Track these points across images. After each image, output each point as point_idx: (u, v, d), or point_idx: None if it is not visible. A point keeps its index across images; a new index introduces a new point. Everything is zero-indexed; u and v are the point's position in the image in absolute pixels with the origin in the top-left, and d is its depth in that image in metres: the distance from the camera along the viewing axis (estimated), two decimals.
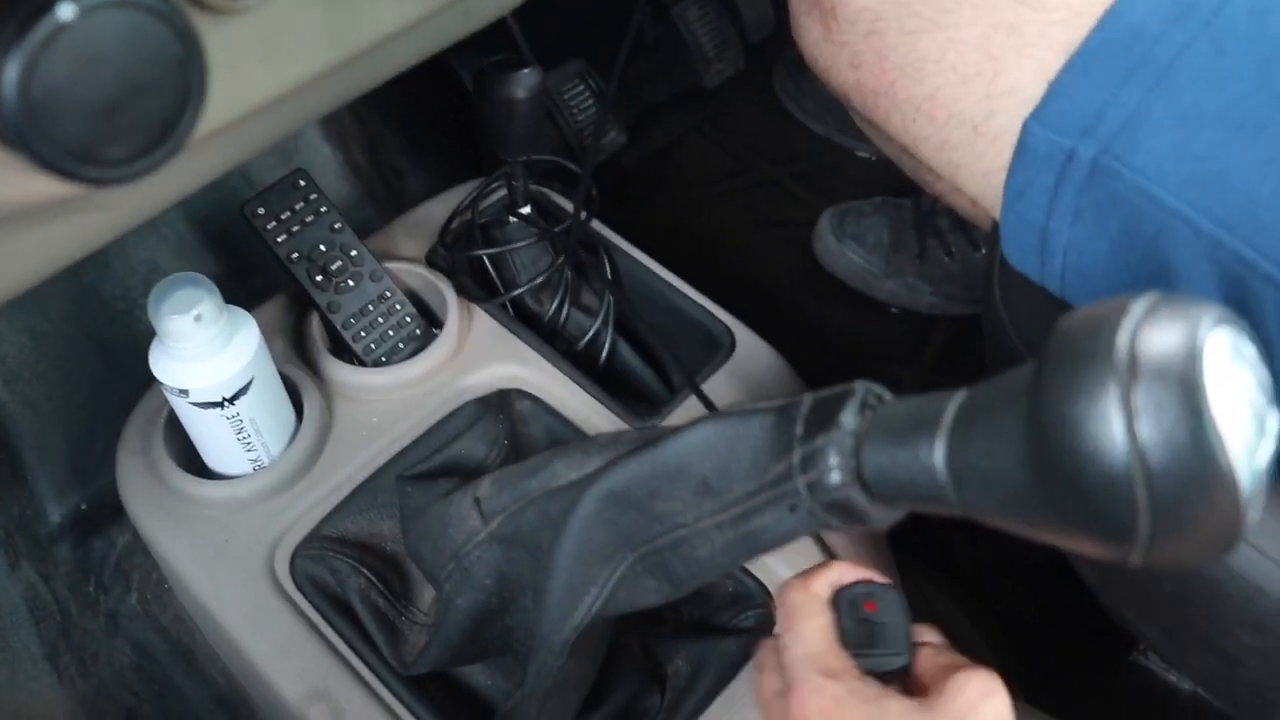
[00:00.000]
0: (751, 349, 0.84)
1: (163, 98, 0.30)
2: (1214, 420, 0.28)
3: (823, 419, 0.40)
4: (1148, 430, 0.28)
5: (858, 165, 1.36)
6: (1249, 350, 0.30)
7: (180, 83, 0.30)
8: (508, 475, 0.57)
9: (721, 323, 0.86)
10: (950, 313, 1.19)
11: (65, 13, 0.27)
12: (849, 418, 0.39)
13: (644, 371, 0.89)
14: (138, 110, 0.30)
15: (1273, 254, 0.48)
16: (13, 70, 0.27)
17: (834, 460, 0.39)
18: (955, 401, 0.35)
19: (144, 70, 0.29)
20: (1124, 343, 0.28)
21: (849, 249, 1.21)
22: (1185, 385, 0.28)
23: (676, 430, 0.46)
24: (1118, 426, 0.28)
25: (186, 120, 0.31)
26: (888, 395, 0.40)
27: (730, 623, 0.71)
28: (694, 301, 0.86)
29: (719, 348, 0.84)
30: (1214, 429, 0.28)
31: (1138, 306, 0.29)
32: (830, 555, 0.67)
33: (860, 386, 0.40)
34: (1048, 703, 0.66)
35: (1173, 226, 0.51)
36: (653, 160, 1.38)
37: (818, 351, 1.10)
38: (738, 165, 1.40)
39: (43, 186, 0.33)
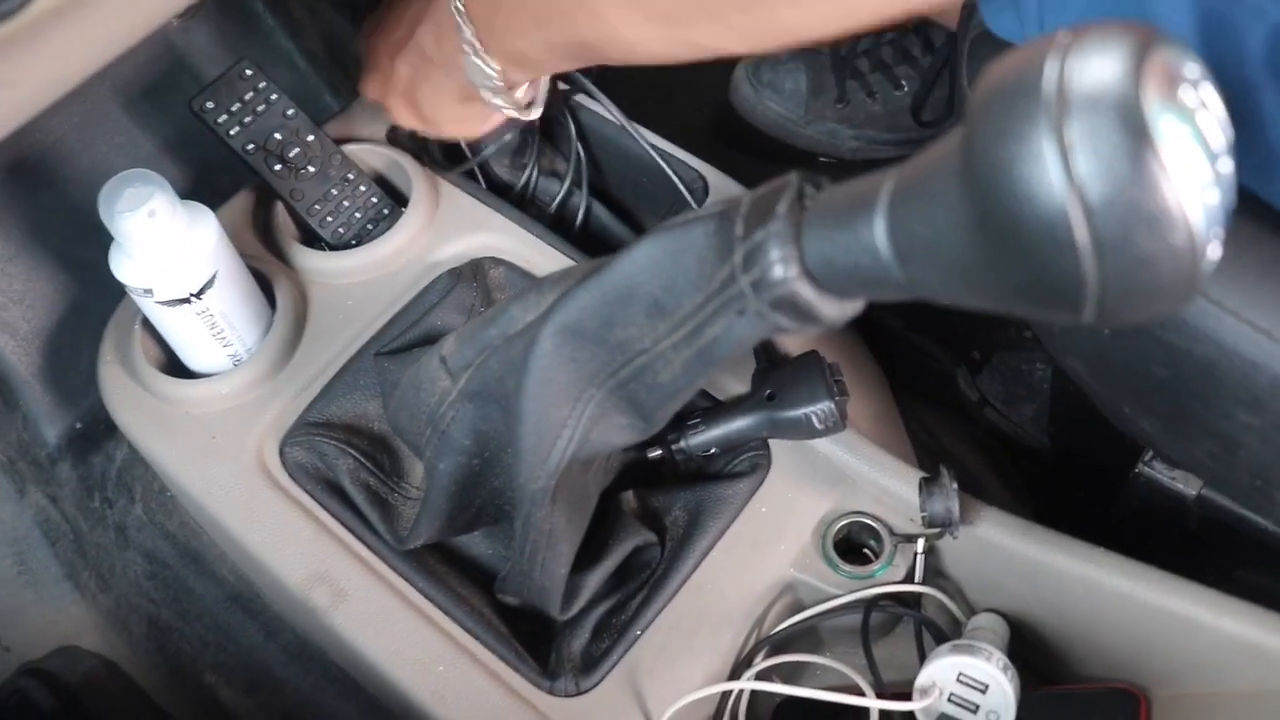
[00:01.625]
0: (727, 194, 0.82)
1: None
2: (1157, 145, 0.26)
3: (761, 213, 0.38)
4: (1084, 163, 0.26)
5: None
6: (1194, 69, 0.27)
7: None
8: (469, 329, 0.56)
9: (693, 169, 0.83)
10: (875, 157, 1.16)
11: None
12: (786, 209, 0.37)
13: (619, 229, 0.87)
14: None
15: None
16: None
17: (775, 253, 0.37)
18: (892, 175, 0.33)
19: None
20: (1052, 73, 0.26)
21: (767, 98, 1.17)
22: (1122, 110, 0.26)
23: (621, 253, 0.44)
24: (1051, 163, 0.26)
25: None
26: (827, 183, 0.38)
27: (725, 468, 0.70)
28: (664, 151, 0.84)
29: (692, 194, 0.82)
30: (1157, 155, 0.26)
31: (1065, 36, 0.27)
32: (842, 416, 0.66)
33: (796, 177, 0.38)
34: (1058, 523, 0.66)
35: None
36: None
37: None
38: None
39: None
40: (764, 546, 0.67)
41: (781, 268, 0.37)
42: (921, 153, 0.32)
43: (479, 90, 0.69)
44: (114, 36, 0.45)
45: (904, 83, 1.13)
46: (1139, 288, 0.27)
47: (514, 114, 0.71)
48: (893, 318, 1.04)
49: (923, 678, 0.60)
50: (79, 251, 0.91)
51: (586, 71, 0.86)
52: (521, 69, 0.67)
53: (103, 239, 0.91)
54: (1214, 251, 0.28)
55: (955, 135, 0.30)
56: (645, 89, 1.17)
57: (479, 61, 0.65)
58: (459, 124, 0.77)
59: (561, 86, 0.87)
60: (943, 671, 0.59)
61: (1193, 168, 0.26)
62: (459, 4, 0.63)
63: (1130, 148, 0.26)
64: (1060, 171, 0.26)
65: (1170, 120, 0.26)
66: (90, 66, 0.45)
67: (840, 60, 1.16)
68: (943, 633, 0.65)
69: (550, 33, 0.62)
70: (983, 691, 0.59)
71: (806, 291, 0.37)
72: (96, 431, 0.90)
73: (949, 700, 0.59)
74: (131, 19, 0.45)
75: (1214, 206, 0.27)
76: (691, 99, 1.24)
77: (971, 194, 0.28)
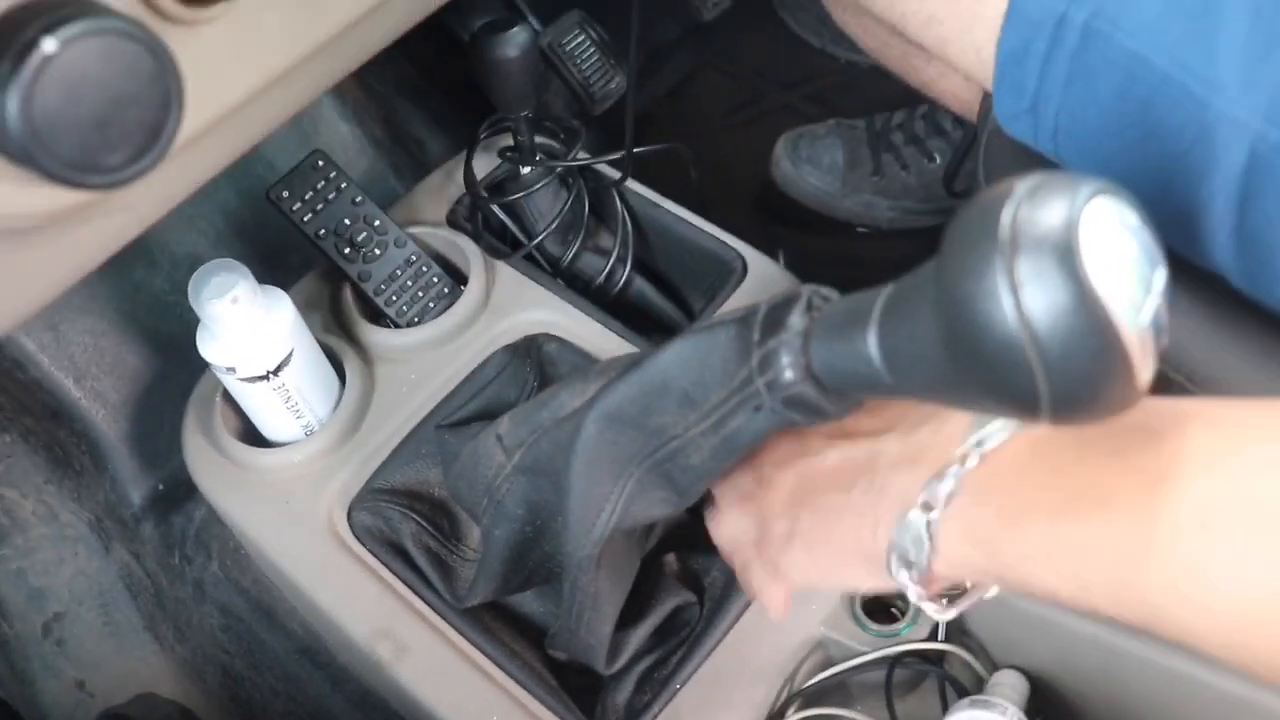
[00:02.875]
0: (764, 272, 0.88)
1: (146, 107, 0.35)
2: (1092, 282, 0.31)
3: (774, 323, 0.44)
4: (1031, 299, 0.31)
5: (865, 78, 1.37)
6: (1131, 217, 0.33)
7: (159, 92, 0.35)
8: (523, 411, 0.62)
9: (733, 249, 0.89)
10: (910, 226, 1.22)
11: (49, 46, 0.31)
12: (796, 319, 0.43)
13: (664, 304, 0.92)
14: (126, 120, 0.34)
15: (1270, 114, 0.49)
16: (13, 100, 0.31)
17: (786, 359, 0.42)
18: (884, 295, 0.38)
19: (125, 85, 0.33)
20: (1007, 220, 0.32)
21: (805, 172, 1.23)
22: (1062, 253, 0.31)
23: (657, 349, 0.50)
24: (1005, 298, 0.31)
25: (171, 124, 0.36)
26: (834, 295, 0.44)
27: None
28: (704, 231, 0.90)
29: (731, 274, 0.87)
30: (1092, 290, 0.31)
31: (1021, 187, 0.32)
32: None
33: (806, 290, 0.44)
34: None
35: (1164, 92, 0.52)
36: (664, 100, 1.40)
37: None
38: (748, 94, 1.41)
39: (60, 197, 0.38)
40: (796, 606, 0.71)
41: (791, 372, 0.42)
42: (906, 277, 0.37)
43: (891, 561, 0.45)
44: (219, 158, 0.51)
45: (936, 155, 1.19)
46: (1085, 400, 0.32)
47: (924, 606, 0.46)
48: None
49: None
50: (162, 328, 0.99)
51: (642, 170, 0.92)
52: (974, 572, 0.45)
53: (183, 316, 0.98)
54: (1151, 364, 0.33)
55: (931, 265, 0.35)
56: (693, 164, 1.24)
57: (925, 533, 0.42)
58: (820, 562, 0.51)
59: (611, 176, 0.94)
60: None
61: (1125, 301, 0.31)
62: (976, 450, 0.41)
63: (1069, 286, 0.31)
64: (1012, 305, 0.31)
65: (1104, 262, 0.31)
66: (202, 181, 0.52)
67: (875, 135, 1.22)
68: (965, 689, 0.69)
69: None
70: None
71: (812, 392, 0.42)
72: (177, 493, 0.97)
73: None
74: (244, 136, 0.51)
75: (1146, 328, 0.32)
76: (733, 174, 1.31)
77: (943, 319, 0.33)
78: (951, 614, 0.48)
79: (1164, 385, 0.43)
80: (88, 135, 0.33)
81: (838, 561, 0.49)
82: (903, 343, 0.37)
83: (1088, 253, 0.31)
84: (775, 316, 0.44)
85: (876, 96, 1.29)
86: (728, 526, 0.57)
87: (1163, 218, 0.39)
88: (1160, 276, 0.33)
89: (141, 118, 0.35)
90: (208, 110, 0.41)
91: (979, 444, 0.41)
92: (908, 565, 0.44)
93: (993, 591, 0.47)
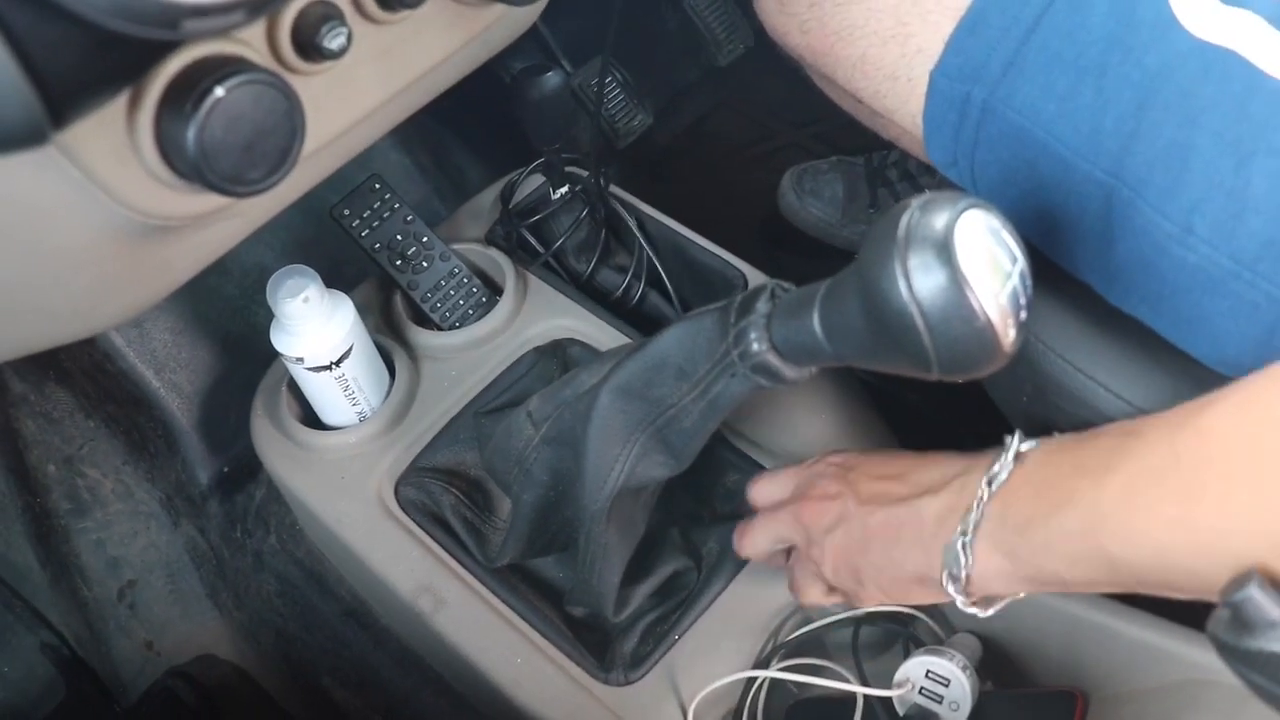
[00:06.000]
0: None
1: (279, 135, 0.47)
2: (962, 270, 0.43)
3: (746, 308, 0.56)
4: (918, 282, 0.43)
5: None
6: (995, 224, 0.44)
7: (289, 124, 0.47)
8: (549, 390, 0.74)
9: (735, 268, 1.00)
10: None
11: (219, 92, 0.44)
12: (762, 305, 0.55)
13: (675, 315, 1.04)
14: (265, 145, 0.46)
15: (1117, 173, 0.62)
16: (192, 131, 0.44)
17: (754, 335, 0.55)
18: (824, 285, 0.50)
19: (266, 119, 0.46)
20: (903, 226, 0.43)
21: (808, 204, 1.35)
22: (940, 249, 0.43)
23: (657, 334, 0.62)
24: (901, 282, 0.43)
25: (295, 148, 0.48)
26: (791, 287, 0.56)
27: (752, 511, 0.86)
28: (710, 251, 1.01)
29: (734, 288, 0.99)
30: (962, 275, 0.43)
31: (916, 201, 0.44)
32: None
33: (770, 283, 0.56)
34: None
35: (1044, 155, 0.65)
36: (683, 136, 1.53)
37: None
38: (761, 133, 1.54)
39: (211, 201, 0.50)
40: (780, 573, 0.83)
41: (758, 344, 0.55)
42: (841, 272, 0.49)
43: (943, 579, 0.61)
44: (314, 177, 0.64)
45: (926, 190, 1.31)
46: (960, 357, 0.44)
47: (967, 607, 0.62)
48: (912, 394, 1.19)
49: (900, 674, 0.75)
50: (231, 328, 1.12)
51: (663, 198, 1.04)
52: (1010, 583, 0.59)
53: (249, 319, 1.11)
54: (1013, 332, 0.45)
55: (856, 262, 0.47)
56: (705, 196, 1.36)
57: (962, 552, 0.58)
58: (891, 592, 0.68)
59: (628, 201, 1.06)
60: (915, 669, 0.74)
61: (988, 282, 0.43)
62: (988, 489, 0.57)
63: (945, 272, 0.43)
64: (905, 287, 0.43)
65: (972, 255, 0.43)
66: (297, 197, 0.64)
67: (873, 171, 1.34)
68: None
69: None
70: (945, 685, 0.73)
71: (774, 360, 0.54)
72: (240, 475, 1.09)
73: (920, 693, 0.74)
74: (335, 160, 0.63)
75: (1006, 306, 0.44)
76: (744, 205, 1.44)
77: (861, 299, 0.45)
78: (990, 612, 0.62)
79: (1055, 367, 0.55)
80: (239, 156, 0.46)
81: (904, 589, 0.66)
82: (836, 319, 0.49)
83: (960, 249, 0.43)
84: (747, 304, 0.56)
85: (875, 136, 1.41)
86: (803, 584, 0.75)
87: (1054, 247, 0.52)
88: (1018, 268, 0.45)
89: (276, 144, 0.47)
90: (314, 139, 0.53)
91: (990, 483, 0.57)
92: (954, 580, 0.60)
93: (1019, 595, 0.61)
